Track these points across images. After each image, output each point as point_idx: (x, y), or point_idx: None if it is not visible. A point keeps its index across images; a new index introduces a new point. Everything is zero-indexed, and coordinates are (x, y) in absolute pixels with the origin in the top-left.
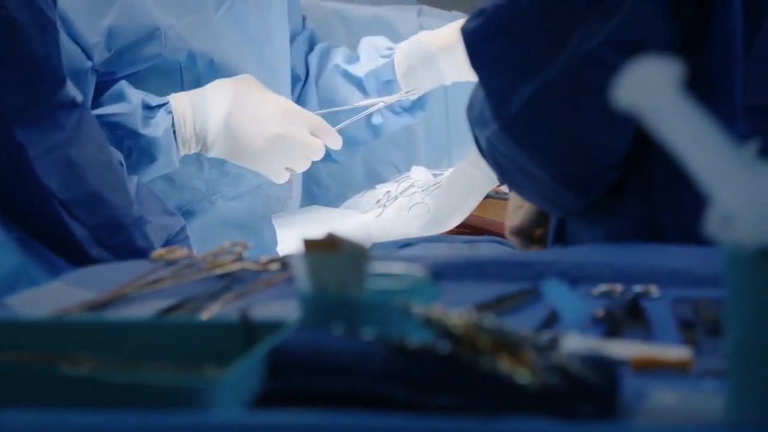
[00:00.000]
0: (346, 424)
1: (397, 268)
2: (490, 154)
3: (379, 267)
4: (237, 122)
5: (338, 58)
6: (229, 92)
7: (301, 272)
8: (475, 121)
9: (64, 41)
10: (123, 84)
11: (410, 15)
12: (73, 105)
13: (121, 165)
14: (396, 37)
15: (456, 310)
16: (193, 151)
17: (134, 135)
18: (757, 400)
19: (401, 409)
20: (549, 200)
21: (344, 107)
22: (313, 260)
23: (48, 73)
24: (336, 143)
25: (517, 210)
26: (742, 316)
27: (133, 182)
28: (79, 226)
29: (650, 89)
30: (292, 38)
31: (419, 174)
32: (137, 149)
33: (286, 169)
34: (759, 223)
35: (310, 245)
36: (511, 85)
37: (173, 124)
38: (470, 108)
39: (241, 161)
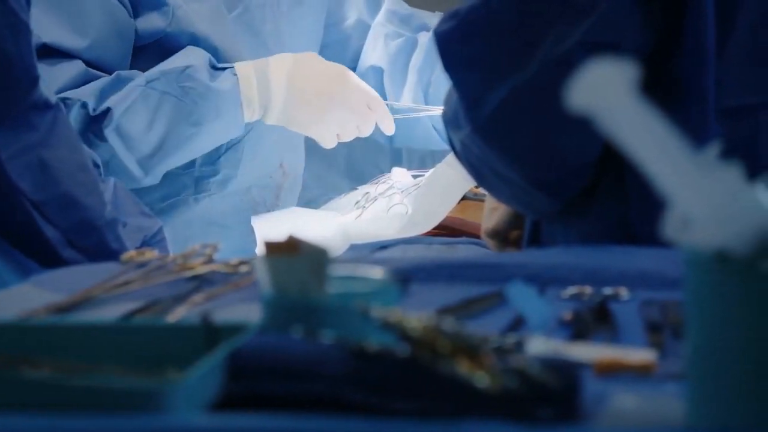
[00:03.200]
0: (304, 428)
1: (358, 270)
2: (464, 156)
3: (340, 269)
4: (298, 88)
5: None
6: (290, 62)
7: (262, 275)
8: (450, 123)
9: (113, 1)
10: (189, 47)
11: None
12: (46, 106)
13: (96, 166)
14: None
15: (416, 313)
16: (255, 116)
17: (202, 86)
18: (715, 404)
19: (360, 412)
20: (523, 202)
21: (401, 103)
22: (274, 263)
23: (21, 74)
24: (389, 127)
25: (492, 212)
26: (701, 319)
27: (109, 184)
28: (51, 228)
29: (605, 91)
30: None
31: (399, 175)
32: (204, 102)
33: (336, 135)
34: (717, 227)
35: (272, 248)
36: (484, 87)
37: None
38: (445, 110)
39: (297, 127)
